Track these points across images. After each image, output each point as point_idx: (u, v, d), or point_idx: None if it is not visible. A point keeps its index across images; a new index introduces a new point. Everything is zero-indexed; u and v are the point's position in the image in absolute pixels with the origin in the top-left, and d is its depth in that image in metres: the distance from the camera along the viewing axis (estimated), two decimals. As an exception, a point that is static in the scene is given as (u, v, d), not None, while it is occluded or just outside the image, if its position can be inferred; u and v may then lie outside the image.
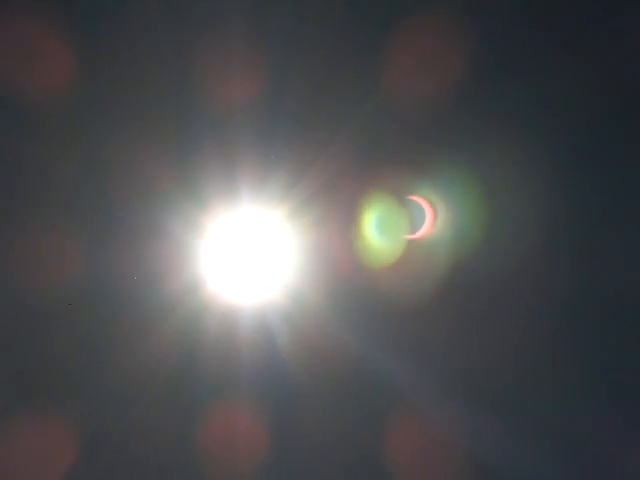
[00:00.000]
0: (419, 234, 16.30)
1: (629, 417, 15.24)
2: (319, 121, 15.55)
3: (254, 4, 15.49)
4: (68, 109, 15.36)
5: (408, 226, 16.20)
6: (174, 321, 15.91)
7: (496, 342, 15.73)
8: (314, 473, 15.52)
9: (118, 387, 15.95)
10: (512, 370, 15.62)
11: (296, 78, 15.38)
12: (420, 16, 14.96)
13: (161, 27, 15.80)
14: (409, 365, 15.99)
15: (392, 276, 15.97)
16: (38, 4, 14.79)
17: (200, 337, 16.00)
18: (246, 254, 16.22)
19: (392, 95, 15.41)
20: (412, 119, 15.28)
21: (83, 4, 15.15)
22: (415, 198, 16.30)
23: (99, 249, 15.77)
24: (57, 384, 15.65)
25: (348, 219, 15.85)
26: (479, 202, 15.77)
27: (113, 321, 15.91)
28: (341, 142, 15.52)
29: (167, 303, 15.86)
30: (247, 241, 16.10)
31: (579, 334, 15.46)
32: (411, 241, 16.13)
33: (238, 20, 15.74)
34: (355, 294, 16.08)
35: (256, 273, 16.23)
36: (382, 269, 15.94)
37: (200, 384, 15.98)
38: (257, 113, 15.34)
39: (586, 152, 15.75)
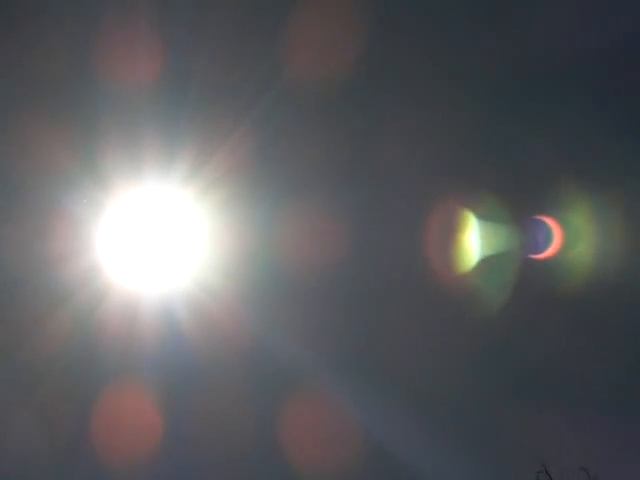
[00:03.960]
0: (544, 254, 16.12)
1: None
2: (226, 103, 15.61)
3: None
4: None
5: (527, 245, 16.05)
6: (73, 307, 15.64)
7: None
8: (216, 455, 15.50)
9: (15, 374, 15.57)
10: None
11: (203, 60, 15.40)
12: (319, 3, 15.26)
13: (64, 8, 15.61)
14: (316, 351, 16.17)
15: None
16: None
17: (101, 322, 15.77)
18: (149, 237, 16.08)
19: (296, 80, 15.60)
20: (312, 104, 15.53)
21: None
22: (540, 217, 15.87)
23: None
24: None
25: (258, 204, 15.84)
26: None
27: (10, 305, 15.54)
28: (247, 126, 15.60)
29: (66, 288, 15.58)
30: (150, 223, 15.97)
31: None
32: (534, 261, 15.79)
33: (144, 4, 15.69)
34: (259, 279, 16.14)
35: (159, 256, 16.12)
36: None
37: (99, 371, 15.75)
38: (162, 93, 15.28)
39: None
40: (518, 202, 15.98)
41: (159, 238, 16.07)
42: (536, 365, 15.79)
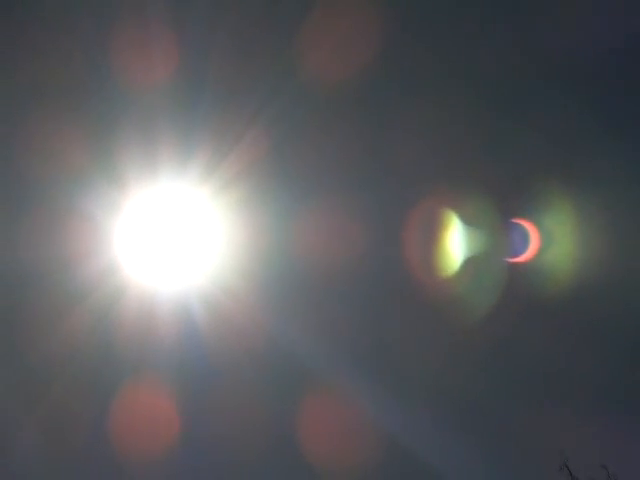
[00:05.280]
0: (522, 258, 15.99)
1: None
2: (241, 102, 15.70)
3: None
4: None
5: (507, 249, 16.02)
6: (91, 304, 15.79)
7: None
8: (232, 451, 15.63)
9: (34, 370, 15.74)
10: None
11: (218, 59, 15.48)
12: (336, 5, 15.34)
13: (80, 8, 15.72)
14: (329, 349, 16.27)
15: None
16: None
17: (117, 320, 15.91)
18: (165, 235, 16.22)
19: (311, 80, 15.68)
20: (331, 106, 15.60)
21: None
22: (519, 221, 15.88)
23: (14, 230, 15.55)
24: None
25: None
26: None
27: (29, 303, 15.70)
28: (263, 124, 15.68)
29: (84, 286, 15.73)
30: (166, 222, 16.10)
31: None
32: (511, 265, 16.01)
33: (160, 4, 15.78)
34: (274, 277, 16.24)
35: (175, 255, 16.25)
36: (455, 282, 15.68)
37: (117, 367, 15.89)
38: (178, 94, 15.39)
39: None
40: (499, 205, 16.14)
41: (175, 237, 16.21)
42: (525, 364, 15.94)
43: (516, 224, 16.03)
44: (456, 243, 15.98)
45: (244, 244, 16.15)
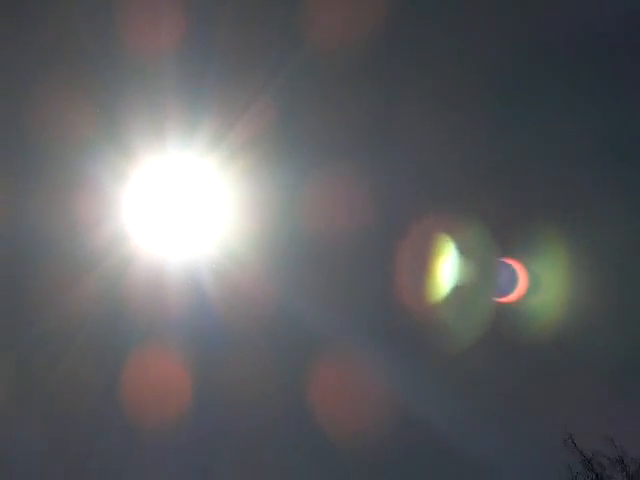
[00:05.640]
0: (510, 297, 16.02)
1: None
2: (249, 72, 15.76)
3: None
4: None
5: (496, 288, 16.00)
6: (100, 273, 15.86)
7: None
8: (243, 418, 15.77)
9: (46, 337, 15.80)
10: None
11: (226, 28, 15.53)
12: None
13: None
14: (335, 315, 16.40)
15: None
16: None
17: (127, 289, 15.99)
18: (173, 205, 16.29)
19: (317, 49, 15.76)
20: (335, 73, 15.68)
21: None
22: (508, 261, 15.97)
23: (24, 200, 15.58)
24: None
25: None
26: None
27: (39, 272, 15.75)
28: (270, 95, 15.74)
29: (93, 254, 15.79)
30: (174, 192, 16.17)
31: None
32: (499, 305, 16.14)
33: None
34: (282, 246, 16.35)
35: (183, 224, 16.33)
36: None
37: (127, 335, 15.96)
38: (185, 63, 15.44)
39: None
40: (493, 241, 16.39)
41: (183, 205, 16.30)
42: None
43: (507, 264, 16.30)
44: (447, 270, 16.28)
45: (252, 213, 16.25)
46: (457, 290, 16.38)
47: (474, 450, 15.18)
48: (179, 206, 16.30)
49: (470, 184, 16.55)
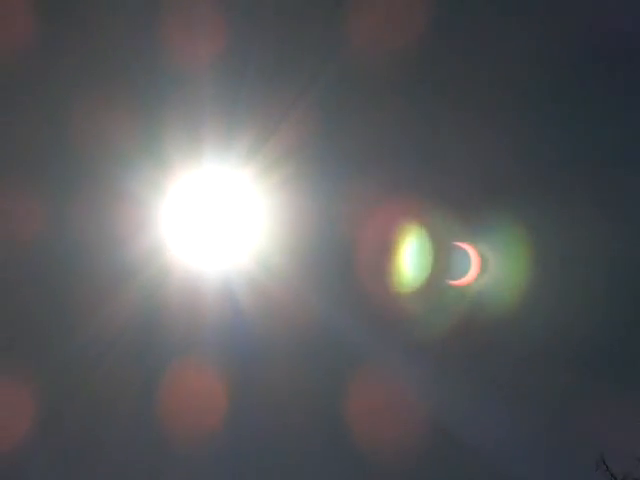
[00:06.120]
0: (463, 281, 16.07)
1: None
2: (285, 83, 15.64)
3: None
4: (27, 68, 15.25)
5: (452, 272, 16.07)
6: (137, 285, 15.91)
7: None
8: (278, 432, 15.73)
9: (83, 350, 15.93)
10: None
11: (262, 39, 15.43)
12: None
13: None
14: (373, 331, 16.26)
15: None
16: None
17: (163, 301, 16.03)
18: (210, 216, 16.27)
19: (355, 58, 15.56)
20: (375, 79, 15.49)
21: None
22: (463, 245, 16.03)
23: (62, 211, 15.70)
24: (24, 341, 15.64)
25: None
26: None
27: (77, 284, 15.86)
28: (307, 105, 15.61)
29: (130, 266, 15.85)
30: (211, 203, 16.15)
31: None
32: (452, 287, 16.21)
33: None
34: (317, 258, 16.24)
35: (220, 236, 16.30)
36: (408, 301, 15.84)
37: (163, 347, 16.02)
38: (223, 73, 15.37)
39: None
40: (445, 227, 16.14)
41: (219, 218, 16.26)
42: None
43: (459, 247, 16.18)
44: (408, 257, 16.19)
45: (288, 225, 16.16)
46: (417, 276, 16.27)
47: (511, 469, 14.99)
48: (215, 218, 16.27)
49: (430, 169, 16.33)
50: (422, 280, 16.23)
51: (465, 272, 16.22)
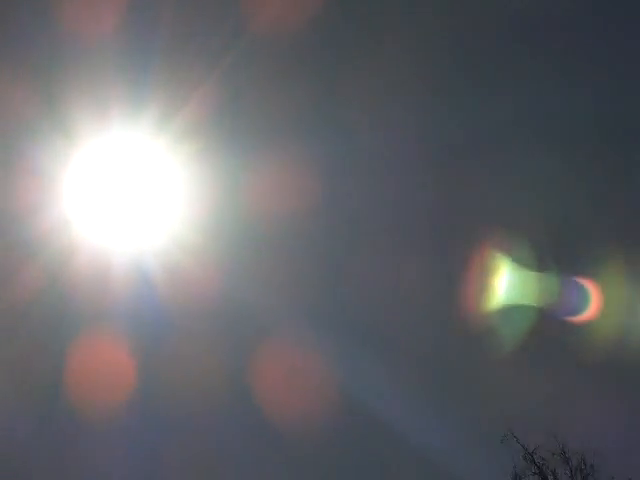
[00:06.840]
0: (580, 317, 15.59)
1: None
2: (195, 54, 15.34)
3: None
4: None
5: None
6: (42, 261, 15.46)
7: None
8: (188, 405, 15.65)
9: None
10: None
11: (171, 10, 15.07)
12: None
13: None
14: (282, 302, 16.27)
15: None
16: None
17: (70, 278, 15.64)
18: (117, 190, 15.91)
19: (264, 32, 15.38)
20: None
21: None
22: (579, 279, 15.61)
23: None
24: None
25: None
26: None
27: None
28: (217, 77, 15.36)
29: (35, 241, 15.38)
30: (118, 177, 15.78)
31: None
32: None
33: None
34: (228, 232, 16.12)
35: (127, 209, 15.98)
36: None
37: (70, 322, 15.67)
38: (129, 42, 14.95)
39: None
40: (559, 259, 16.15)
41: (127, 192, 15.92)
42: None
43: (576, 282, 15.96)
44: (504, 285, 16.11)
45: (196, 199, 15.96)
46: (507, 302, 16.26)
47: (420, 442, 15.30)
48: (123, 192, 15.90)
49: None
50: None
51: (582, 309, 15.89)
